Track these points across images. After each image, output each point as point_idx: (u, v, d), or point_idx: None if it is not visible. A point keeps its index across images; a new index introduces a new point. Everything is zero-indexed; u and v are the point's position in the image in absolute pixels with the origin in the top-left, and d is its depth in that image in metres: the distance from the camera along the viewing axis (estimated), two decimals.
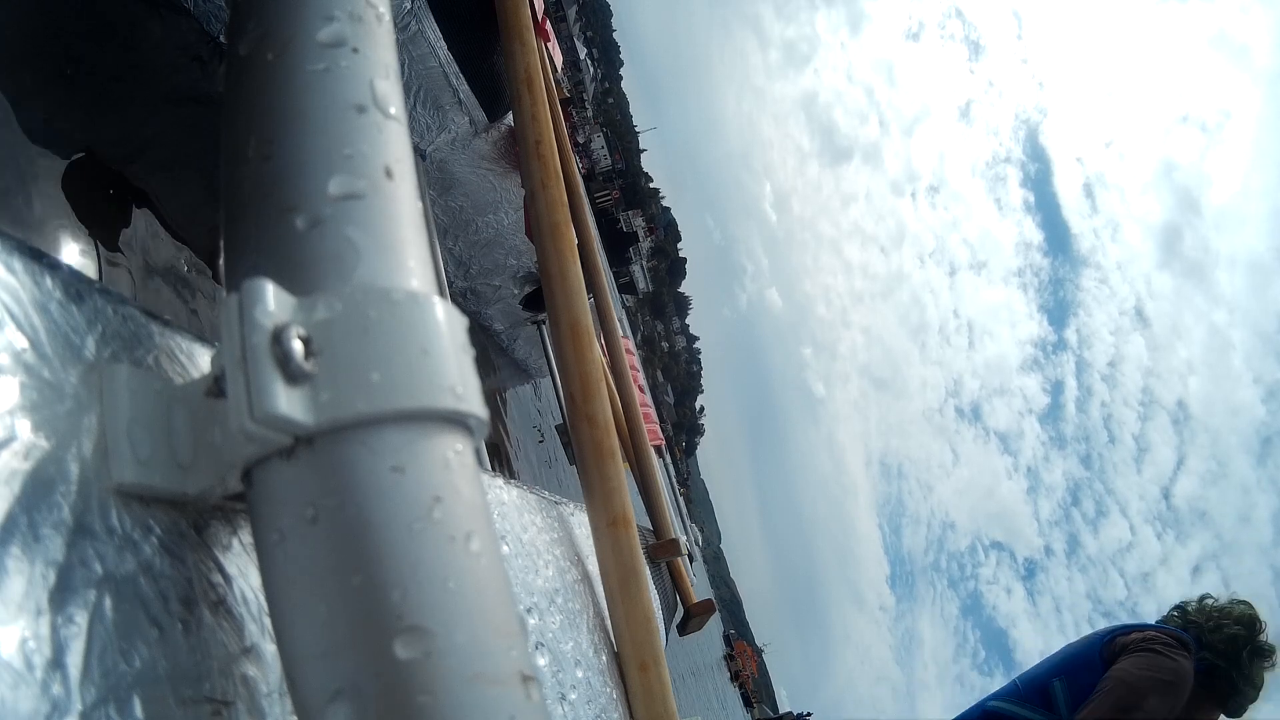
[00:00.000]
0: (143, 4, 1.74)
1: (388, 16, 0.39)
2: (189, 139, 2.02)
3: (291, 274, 0.29)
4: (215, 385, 0.29)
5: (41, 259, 0.28)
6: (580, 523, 1.12)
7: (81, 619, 0.24)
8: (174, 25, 1.78)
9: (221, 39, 1.85)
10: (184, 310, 2.13)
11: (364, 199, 0.32)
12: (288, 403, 0.26)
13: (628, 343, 1.93)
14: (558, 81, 2.02)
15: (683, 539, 1.70)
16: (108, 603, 0.25)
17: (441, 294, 0.31)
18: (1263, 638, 1.60)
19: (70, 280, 0.29)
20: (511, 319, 3.44)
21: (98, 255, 1.93)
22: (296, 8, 0.36)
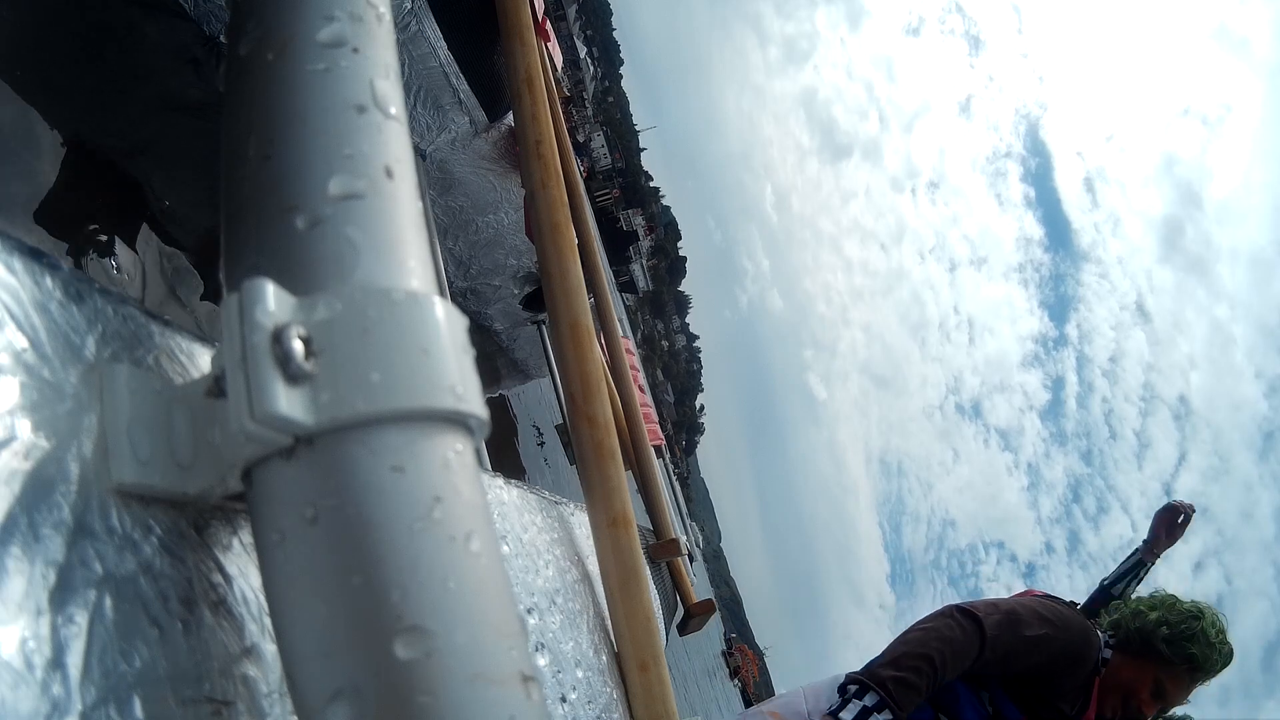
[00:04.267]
0: (140, 6, 1.74)
1: (388, 16, 0.39)
2: (187, 140, 2.02)
3: (291, 274, 0.29)
4: (215, 385, 0.29)
5: (41, 259, 0.28)
6: (580, 523, 1.12)
7: (81, 619, 0.24)
8: (171, 27, 1.78)
9: (221, 39, 1.85)
10: (183, 310, 2.14)
11: (364, 199, 0.32)
12: (288, 403, 0.26)
13: (628, 343, 1.93)
14: (558, 81, 2.01)
15: (683, 539, 1.70)
16: (108, 603, 0.25)
17: (441, 294, 0.31)
18: None
19: (70, 280, 0.29)
20: (511, 319, 3.43)
21: (97, 255, 1.93)
22: (296, 8, 0.36)
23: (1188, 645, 1.46)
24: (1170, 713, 1.55)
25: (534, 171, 1.15)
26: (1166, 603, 1.56)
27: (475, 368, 0.31)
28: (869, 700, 1.33)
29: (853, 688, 1.38)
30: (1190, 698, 1.53)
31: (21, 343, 0.26)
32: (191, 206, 2.17)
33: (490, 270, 3.04)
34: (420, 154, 2.22)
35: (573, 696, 0.75)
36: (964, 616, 1.43)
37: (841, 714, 1.34)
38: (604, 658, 0.90)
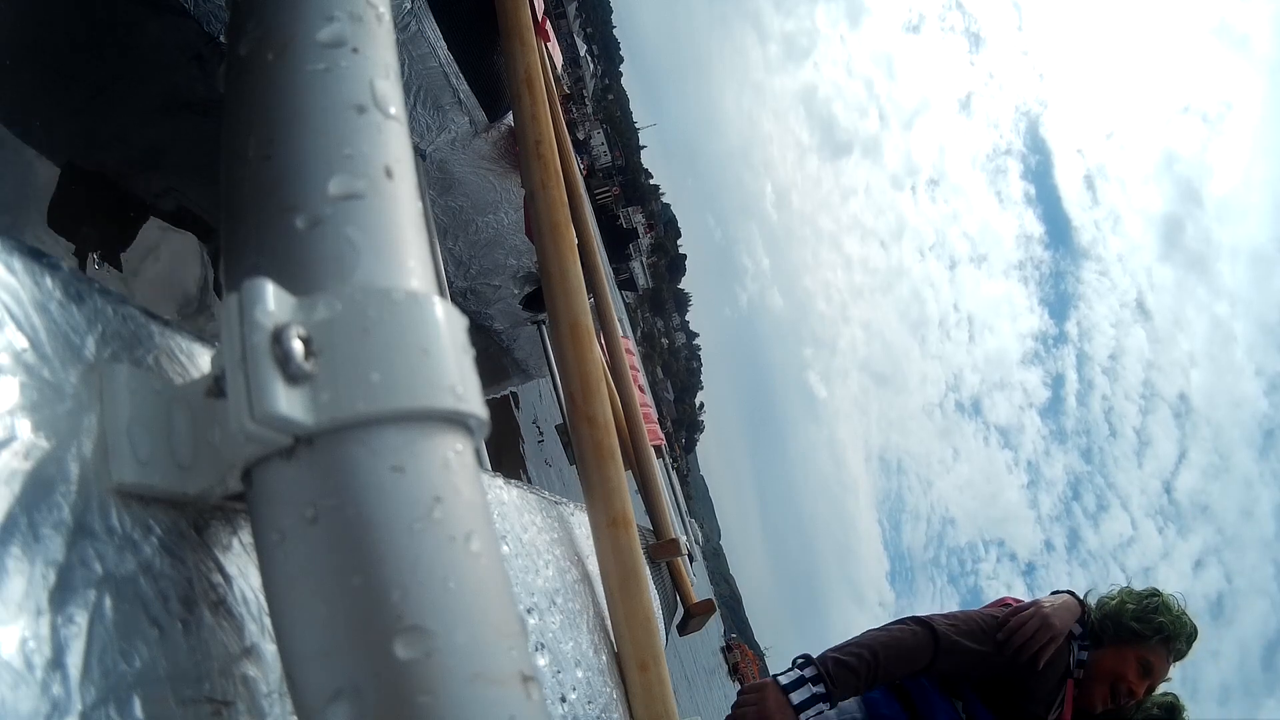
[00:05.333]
0: (140, 5, 1.74)
1: (388, 16, 0.39)
2: (187, 141, 2.02)
3: (291, 274, 0.29)
4: (215, 385, 0.29)
5: (41, 259, 0.28)
6: (580, 523, 1.12)
7: (81, 619, 0.24)
8: (172, 26, 1.78)
9: (221, 39, 1.85)
10: (183, 310, 2.14)
11: (364, 199, 0.32)
12: (288, 403, 0.26)
13: (628, 342, 1.93)
14: (557, 79, 2.01)
15: (683, 539, 1.70)
16: (108, 603, 0.25)
17: (441, 294, 0.31)
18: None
19: (70, 280, 0.29)
20: (511, 319, 3.43)
21: (99, 256, 1.93)
22: (296, 8, 0.36)
23: (1155, 616, 1.58)
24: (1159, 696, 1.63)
25: (534, 171, 1.15)
26: (1124, 591, 1.68)
27: (475, 368, 0.31)
28: (808, 672, 1.48)
29: (799, 659, 1.53)
30: (1170, 675, 1.62)
31: (21, 343, 0.26)
32: (194, 206, 2.17)
33: (490, 270, 3.04)
34: (420, 154, 2.22)
35: (573, 696, 0.75)
36: (918, 624, 1.56)
37: (780, 678, 1.49)
38: (604, 658, 0.90)
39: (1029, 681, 1.55)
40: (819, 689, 1.44)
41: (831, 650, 1.52)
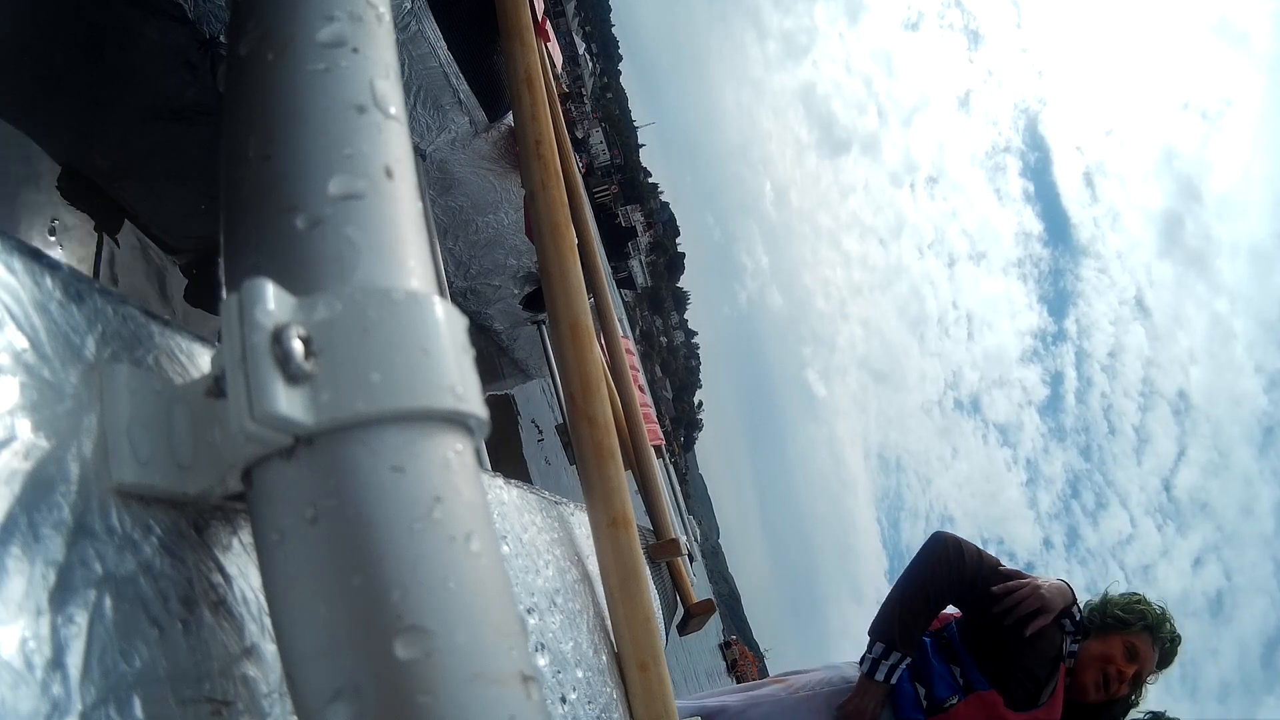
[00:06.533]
0: (137, 8, 1.74)
1: (388, 16, 0.39)
2: (185, 143, 2.02)
3: (291, 274, 0.29)
4: (215, 385, 0.29)
5: (41, 259, 0.28)
6: (580, 523, 1.11)
7: (81, 619, 0.24)
8: (169, 30, 1.78)
9: (221, 40, 1.85)
10: (182, 311, 2.14)
11: (364, 199, 0.32)
12: (288, 403, 0.26)
13: (627, 342, 1.93)
14: (557, 78, 2.01)
15: (683, 539, 1.70)
16: (108, 603, 0.25)
17: (441, 294, 0.31)
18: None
19: (70, 280, 0.29)
20: (511, 319, 3.43)
21: (95, 257, 1.93)
22: (296, 8, 0.36)
23: (1139, 606, 1.73)
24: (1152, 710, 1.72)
25: (534, 171, 1.15)
26: (1110, 591, 1.84)
27: (475, 368, 0.31)
28: (894, 660, 1.68)
29: (879, 646, 1.71)
30: (1159, 676, 1.73)
31: (21, 343, 0.26)
32: (192, 207, 2.17)
33: (490, 270, 3.04)
34: (420, 154, 2.22)
35: (573, 696, 0.75)
36: (949, 542, 1.75)
37: (878, 675, 1.69)
38: (604, 658, 0.90)
39: (1021, 652, 1.67)
40: (903, 665, 1.67)
41: (894, 618, 1.70)
